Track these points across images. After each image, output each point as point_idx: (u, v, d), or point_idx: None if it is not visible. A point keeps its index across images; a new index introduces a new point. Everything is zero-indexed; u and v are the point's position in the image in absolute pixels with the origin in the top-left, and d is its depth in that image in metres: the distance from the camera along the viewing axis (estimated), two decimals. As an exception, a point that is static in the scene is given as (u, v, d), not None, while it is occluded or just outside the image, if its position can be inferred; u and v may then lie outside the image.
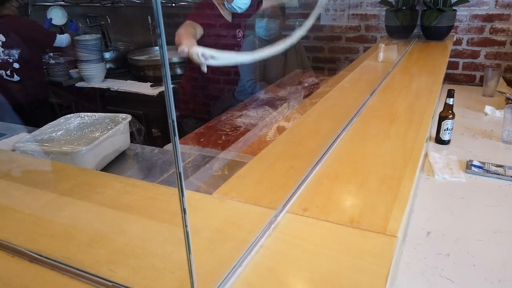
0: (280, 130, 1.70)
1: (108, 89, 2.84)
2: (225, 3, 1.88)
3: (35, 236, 0.60)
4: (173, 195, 0.75)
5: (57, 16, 3.05)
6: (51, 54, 3.25)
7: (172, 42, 3.55)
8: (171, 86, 0.38)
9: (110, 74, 3.09)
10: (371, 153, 0.86)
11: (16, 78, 2.68)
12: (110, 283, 0.50)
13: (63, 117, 1.53)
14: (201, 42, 1.83)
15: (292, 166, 0.83)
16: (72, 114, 1.55)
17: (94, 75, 2.90)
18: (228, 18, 2.00)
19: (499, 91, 1.99)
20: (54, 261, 0.54)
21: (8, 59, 2.64)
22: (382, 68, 1.56)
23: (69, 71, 3.00)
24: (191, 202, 0.72)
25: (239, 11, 1.93)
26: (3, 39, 2.61)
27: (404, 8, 2.05)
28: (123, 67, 3.31)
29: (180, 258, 0.56)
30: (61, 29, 3.76)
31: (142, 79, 2.99)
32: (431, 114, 1.08)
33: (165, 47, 0.36)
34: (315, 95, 1.80)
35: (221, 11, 1.95)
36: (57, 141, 1.41)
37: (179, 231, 0.63)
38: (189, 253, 0.43)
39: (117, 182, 0.79)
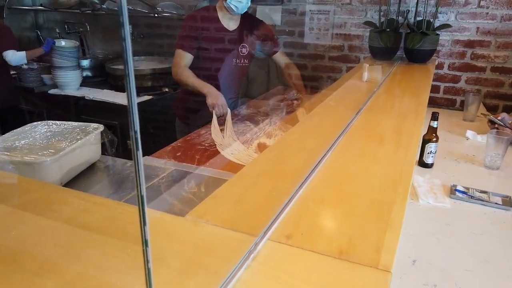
0: (262, 146, 1.64)
1: (83, 98, 2.73)
2: (224, 3, 1.89)
3: (-28, 261, 0.51)
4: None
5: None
6: (24, 59, 3.11)
7: (150, 53, 3.47)
8: (135, 94, 0.31)
9: (86, 82, 2.98)
10: (359, 175, 0.80)
11: None
12: (54, 325, 0.41)
13: (29, 124, 1.42)
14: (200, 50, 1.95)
15: (274, 187, 0.76)
16: (39, 122, 1.44)
17: (69, 82, 2.79)
18: (229, 26, 2.00)
19: (482, 114, 2.00)
20: (-11, 294, 0.45)
21: None
22: (366, 88, 1.53)
23: (42, 76, 2.87)
24: (160, 224, 0.64)
25: (235, 11, 1.90)
26: None
27: (388, 30, 2.05)
28: (100, 76, 3.21)
29: (143, 292, 0.48)
30: (38, 35, 3.63)
31: (120, 88, 2.89)
32: (419, 136, 1.04)
33: (130, 55, 0.29)
34: (299, 112, 1.76)
35: (222, 18, 1.97)
36: (20, 150, 1.30)
37: (142, 258, 0.54)
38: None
39: (77, 199, 0.70)
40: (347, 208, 0.68)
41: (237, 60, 2.08)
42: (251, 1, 1.89)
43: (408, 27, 2.07)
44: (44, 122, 1.45)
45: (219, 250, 0.57)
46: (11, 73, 2.92)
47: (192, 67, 1.98)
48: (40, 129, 1.43)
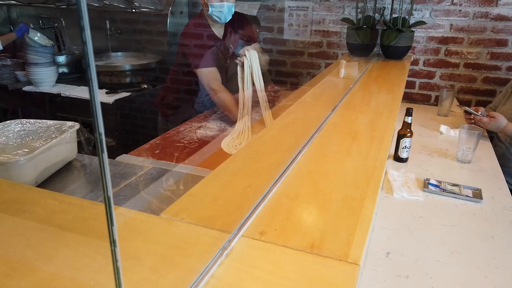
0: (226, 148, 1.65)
1: (59, 95, 2.67)
2: (208, 12, 1.90)
3: None
4: (116, 215, 0.67)
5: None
6: (-4, 55, 3.03)
7: (127, 49, 3.43)
8: (97, 91, 0.31)
9: (62, 79, 2.91)
10: (332, 171, 0.82)
11: None
12: (25, 327, 0.41)
13: (1, 123, 1.39)
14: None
15: (250, 184, 0.77)
16: (12, 120, 1.41)
17: (44, 79, 2.72)
18: (219, 34, 2.03)
19: (458, 106, 2.07)
20: (-42, 298, 0.45)
21: None
22: (343, 85, 1.56)
23: (16, 73, 2.80)
24: (135, 223, 0.65)
25: (219, 20, 1.92)
26: None
27: (365, 26, 2.08)
28: (77, 72, 3.15)
29: (116, 291, 0.49)
30: (10, 30, 3.53)
31: (98, 85, 2.84)
32: (391, 132, 1.07)
33: (90, 49, 0.29)
34: (277, 108, 1.77)
35: (211, 26, 1.98)
36: (-8, 150, 1.27)
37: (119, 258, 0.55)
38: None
39: (50, 199, 0.69)
40: (320, 204, 0.70)
41: (228, 61, 2.12)
42: None
43: (384, 24, 2.10)
44: (17, 121, 1.42)
45: (193, 248, 0.58)
46: (-17, 69, 2.84)
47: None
48: (13, 128, 1.40)
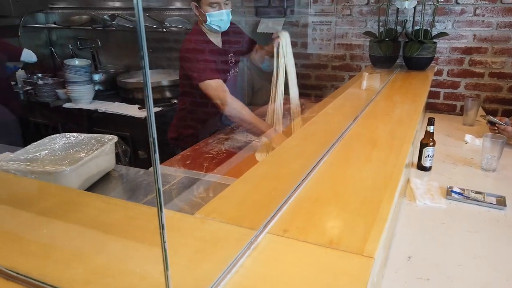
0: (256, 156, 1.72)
1: (95, 111, 2.84)
2: (205, 25, 1.90)
3: (12, 254, 0.59)
4: (154, 215, 0.75)
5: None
6: (39, 74, 3.25)
7: (158, 66, 3.59)
8: (152, 104, 0.39)
9: (98, 96, 3.09)
10: (352, 176, 0.88)
11: None
12: (86, 301, 0.49)
13: (48, 137, 1.52)
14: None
15: (275, 188, 0.84)
16: (57, 134, 1.54)
17: (82, 96, 2.90)
18: (218, 43, 2.03)
19: (482, 116, 2.06)
20: (31, 278, 0.53)
21: None
22: (365, 96, 1.61)
23: (57, 91, 3.00)
24: (171, 222, 0.72)
25: (219, 29, 1.93)
26: None
27: (387, 39, 2.13)
28: (112, 89, 3.33)
29: (159, 277, 0.56)
30: (51, 51, 3.78)
31: (131, 101, 3.00)
32: (411, 140, 1.11)
33: (147, 66, 0.37)
34: (301, 120, 1.84)
35: (209, 37, 1.98)
36: (41, 161, 1.40)
37: (158, 250, 0.63)
38: (167, 269, 0.43)
39: (98, 201, 0.79)
40: (340, 206, 0.76)
41: (232, 71, 2.12)
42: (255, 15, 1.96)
43: (406, 36, 2.14)
44: (62, 135, 1.55)
45: (223, 242, 0.65)
46: (27, 88, 3.06)
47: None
48: (58, 141, 1.52)
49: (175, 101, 3.02)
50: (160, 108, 2.84)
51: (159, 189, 0.40)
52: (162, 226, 0.42)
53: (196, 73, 1.88)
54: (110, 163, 1.51)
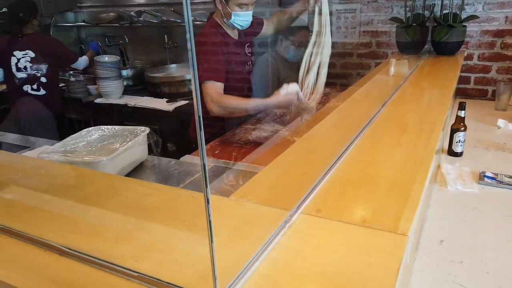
0: (293, 141, 1.74)
1: (125, 105, 2.93)
2: (225, 19, 1.88)
3: (64, 233, 0.64)
4: (192, 197, 0.79)
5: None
6: (71, 72, 3.37)
7: (187, 60, 3.63)
8: (198, 83, 0.42)
9: (127, 91, 3.18)
10: (382, 160, 0.89)
11: (42, 92, 2.80)
12: (136, 274, 0.53)
13: (84, 129, 1.59)
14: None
15: (305, 172, 0.86)
16: (93, 127, 1.61)
17: (112, 91, 3.00)
18: (234, 36, 2.00)
19: None
20: (82, 253, 0.58)
21: (36, 73, 2.76)
22: (393, 82, 1.59)
23: (88, 87, 3.10)
24: (209, 204, 0.76)
25: (240, 28, 1.91)
26: (33, 54, 2.74)
27: (414, 24, 2.09)
28: (139, 84, 3.41)
29: (200, 253, 0.60)
30: (81, 48, 3.91)
31: (158, 95, 3.07)
32: (441, 123, 1.10)
33: (193, 48, 0.40)
34: (328, 108, 1.84)
35: (226, 30, 1.95)
36: (79, 152, 1.47)
37: (199, 229, 0.66)
38: (212, 241, 0.47)
39: (139, 186, 0.83)
40: (371, 187, 0.77)
41: (249, 62, 2.09)
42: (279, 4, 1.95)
43: (435, 21, 2.10)
44: (97, 127, 1.62)
45: (259, 221, 0.68)
46: (61, 85, 3.19)
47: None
48: (94, 133, 1.59)
49: (201, 94, 3.08)
50: (186, 102, 2.89)
51: (204, 165, 0.43)
52: (207, 200, 0.45)
53: (200, 70, 1.84)
54: (143, 153, 1.57)
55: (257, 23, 2.12)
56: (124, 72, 3.34)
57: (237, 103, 1.80)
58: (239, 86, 2.12)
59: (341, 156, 0.91)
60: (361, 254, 0.57)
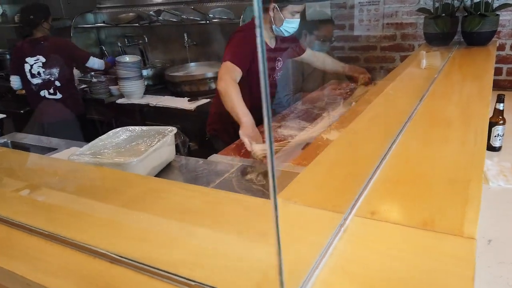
0: (324, 139, 1.70)
1: (147, 105, 2.93)
2: (273, 26, 1.86)
3: (113, 239, 0.62)
4: (234, 200, 0.77)
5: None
6: (92, 73, 3.40)
7: (207, 58, 3.60)
8: (267, 79, 0.39)
9: (148, 91, 3.18)
10: (431, 157, 0.84)
11: (58, 95, 2.82)
12: (193, 283, 0.51)
13: (111, 131, 1.58)
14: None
15: (350, 172, 0.82)
16: (120, 128, 1.60)
17: (134, 91, 3.00)
18: (271, 44, 2.00)
19: None
20: (134, 261, 0.56)
21: (50, 77, 2.78)
22: (426, 75, 1.54)
23: (110, 88, 3.12)
24: (253, 206, 0.73)
25: (286, 34, 1.90)
26: (44, 60, 2.75)
27: (443, 15, 2.02)
28: (160, 84, 3.41)
29: (253, 259, 0.57)
30: (102, 50, 3.93)
31: (179, 94, 3.06)
32: (486, 118, 1.05)
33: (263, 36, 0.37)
34: (358, 104, 1.79)
35: (268, 35, 1.94)
36: (109, 153, 1.46)
37: (247, 234, 0.63)
38: (279, 253, 0.44)
39: (178, 188, 0.81)
40: (424, 187, 0.73)
41: (276, 75, 2.09)
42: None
43: (465, 10, 2.02)
44: (124, 128, 1.61)
45: (311, 225, 0.65)
46: (83, 86, 3.21)
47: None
48: (121, 134, 1.58)
49: (222, 92, 3.05)
50: (208, 100, 2.88)
51: (272, 162, 0.40)
52: (275, 207, 0.42)
53: (227, 51, 1.84)
54: (171, 153, 1.55)
55: (299, 47, 2.12)
56: (144, 72, 3.33)
57: (236, 102, 1.74)
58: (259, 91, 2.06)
59: (386, 154, 0.87)
60: (429, 261, 0.54)
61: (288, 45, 2.07)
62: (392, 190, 0.73)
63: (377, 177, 0.78)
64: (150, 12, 3.53)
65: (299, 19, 1.86)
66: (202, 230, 0.65)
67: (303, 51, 2.18)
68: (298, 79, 2.33)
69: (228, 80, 1.77)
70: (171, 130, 1.54)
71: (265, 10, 1.87)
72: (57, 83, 2.81)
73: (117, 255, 0.57)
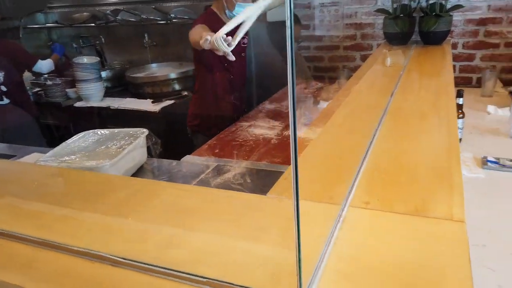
0: (299, 138, 1.73)
1: (107, 108, 2.83)
2: (226, 11, 1.92)
3: (109, 242, 0.60)
4: (229, 197, 0.76)
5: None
6: (45, 75, 3.22)
7: (168, 59, 3.54)
8: (295, 81, 0.39)
9: (107, 93, 3.07)
10: (411, 148, 0.88)
11: (5, 101, 2.63)
12: (205, 279, 0.50)
13: (79, 134, 1.51)
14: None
15: (338, 165, 0.85)
16: (88, 131, 1.54)
17: (93, 94, 2.89)
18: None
19: (503, 87, 2.08)
20: (139, 262, 0.54)
21: None
22: (392, 72, 1.61)
23: (67, 90, 2.97)
24: (248, 203, 0.73)
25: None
26: None
27: (402, 15, 2.12)
28: (119, 85, 3.31)
29: (260, 253, 0.57)
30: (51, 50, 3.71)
31: (141, 96, 2.99)
32: (454, 110, 1.12)
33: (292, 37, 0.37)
34: (331, 102, 1.84)
35: (223, 19, 1.99)
36: (78, 158, 1.40)
37: (249, 229, 0.63)
38: (298, 247, 0.44)
39: (169, 188, 0.79)
40: (411, 176, 0.76)
41: (242, 54, 2.14)
42: None
43: (422, 11, 2.13)
44: (91, 131, 1.55)
45: (309, 217, 0.66)
46: (36, 90, 3.04)
47: (207, 63, 2.01)
48: (89, 138, 1.52)
49: (186, 93, 3.00)
50: (173, 101, 2.83)
51: (296, 167, 0.41)
52: (297, 207, 0.43)
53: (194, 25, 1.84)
54: (143, 156, 1.51)
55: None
56: (103, 74, 3.22)
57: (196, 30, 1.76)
58: (223, 70, 2.05)
59: (368, 148, 0.90)
60: (426, 244, 0.56)
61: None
62: (380, 180, 0.76)
63: (364, 169, 0.81)
64: (107, 12, 3.41)
65: (251, 3, 1.87)
66: (202, 227, 0.64)
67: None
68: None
69: (197, 32, 1.74)
70: (143, 132, 1.50)
71: None
72: (3, 88, 2.62)
73: (118, 257, 0.55)
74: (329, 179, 0.78)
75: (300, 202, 0.71)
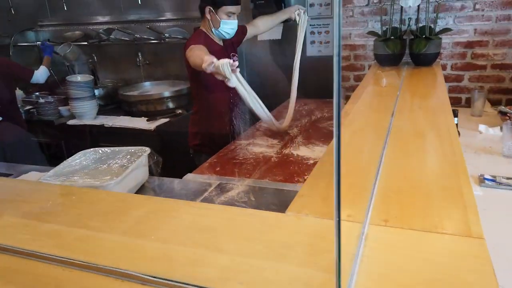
0: (295, 155, 1.75)
1: (102, 126, 2.81)
2: (213, 29, 1.99)
3: (134, 260, 0.60)
4: (249, 215, 0.77)
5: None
6: (37, 93, 3.19)
7: (162, 78, 3.55)
8: (341, 91, 0.41)
9: (99, 111, 3.06)
10: (419, 168, 0.91)
11: None
12: (241, 298, 0.50)
13: (79, 153, 1.50)
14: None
15: (351, 183, 0.86)
16: (88, 149, 1.53)
17: (86, 112, 2.87)
18: (220, 42, 2.10)
19: (493, 107, 2.15)
20: (169, 280, 0.54)
21: None
22: (389, 92, 1.65)
23: (59, 108, 2.95)
24: (267, 221, 0.74)
25: (227, 36, 2.02)
26: None
27: (392, 37, 2.19)
28: (112, 103, 3.30)
29: (288, 270, 0.58)
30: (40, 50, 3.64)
31: (134, 114, 2.98)
32: (454, 129, 1.15)
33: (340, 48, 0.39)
34: (325, 120, 1.86)
35: (212, 38, 2.05)
36: (80, 177, 1.38)
37: (275, 247, 0.64)
38: (338, 265, 0.45)
39: (186, 207, 0.79)
40: (424, 194, 0.78)
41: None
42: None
43: (412, 34, 2.21)
44: (92, 150, 1.54)
45: (331, 235, 0.67)
46: (28, 107, 3.00)
47: (207, 84, 2.03)
48: (90, 156, 1.51)
49: (180, 111, 3.01)
50: (167, 119, 2.83)
51: (338, 182, 0.42)
52: (338, 223, 0.44)
53: (188, 46, 1.87)
54: (145, 174, 1.51)
55: (241, 31, 2.17)
56: (96, 92, 3.21)
57: (195, 52, 1.77)
58: (223, 89, 2.08)
59: (379, 166, 0.92)
60: (451, 260, 0.58)
61: (235, 37, 2.12)
62: (395, 199, 0.77)
63: (377, 188, 0.83)
64: (100, 31, 3.43)
65: (236, 20, 1.96)
66: (226, 245, 0.64)
67: (245, 29, 2.25)
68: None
69: (189, 50, 1.81)
70: (145, 150, 1.50)
71: (202, 14, 1.98)
72: None
73: (148, 275, 0.55)
74: (344, 197, 0.80)
75: (313, 219, 0.72)
